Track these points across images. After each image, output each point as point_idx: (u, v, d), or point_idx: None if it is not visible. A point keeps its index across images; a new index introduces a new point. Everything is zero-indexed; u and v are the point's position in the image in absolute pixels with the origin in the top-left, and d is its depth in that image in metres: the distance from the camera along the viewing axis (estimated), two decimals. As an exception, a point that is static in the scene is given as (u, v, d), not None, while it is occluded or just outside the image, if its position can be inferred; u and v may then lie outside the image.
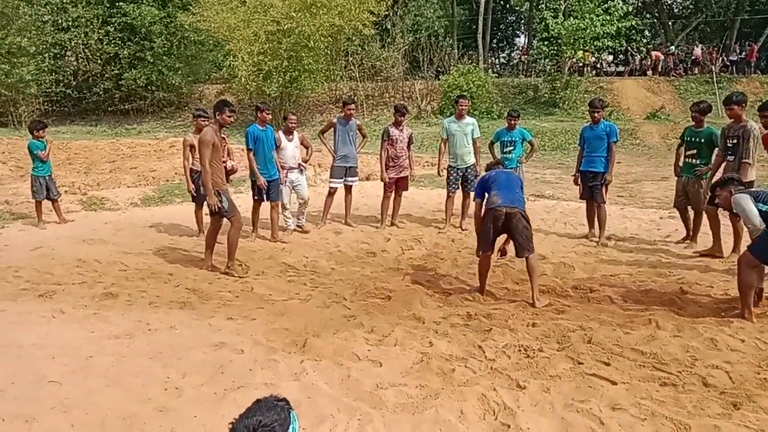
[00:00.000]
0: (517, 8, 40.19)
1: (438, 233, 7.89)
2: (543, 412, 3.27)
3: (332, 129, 8.27)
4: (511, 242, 5.61)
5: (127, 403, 3.35)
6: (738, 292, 4.72)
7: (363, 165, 11.39)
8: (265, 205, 7.43)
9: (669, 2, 37.68)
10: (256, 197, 7.40)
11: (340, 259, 6.76)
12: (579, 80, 24.80)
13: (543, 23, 23.72)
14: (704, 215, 6.88)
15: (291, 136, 7.76)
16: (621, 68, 29.65)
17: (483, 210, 5.46)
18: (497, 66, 37.56)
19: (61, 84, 24.42)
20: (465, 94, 9.15)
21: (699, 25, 35.08)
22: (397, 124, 8.05)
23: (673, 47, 29.15)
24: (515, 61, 36.32)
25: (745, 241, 6.63)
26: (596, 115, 7.29)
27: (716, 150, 6.78)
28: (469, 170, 8.07)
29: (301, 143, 8.03)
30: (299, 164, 7.86)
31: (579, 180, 7.58)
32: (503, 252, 6.52)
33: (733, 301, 4.99)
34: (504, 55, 44.66)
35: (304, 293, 5.50)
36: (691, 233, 7.08)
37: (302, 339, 4.27)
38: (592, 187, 7.34)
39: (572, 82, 24.28)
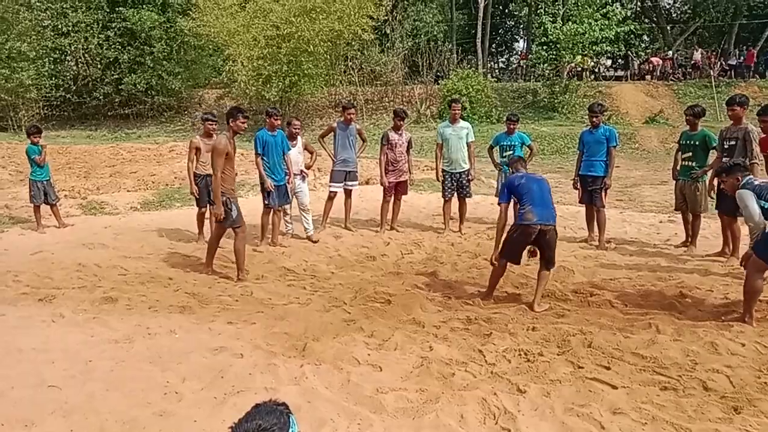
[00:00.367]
0: (515, 13, 40.27)
1: (437, 237, 7.89)
2: (543, 417, 3.27)
3: (332, 133, 8.27)
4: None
5: (126, 408, 3.34)
6: (742, 296, 4.71)
7: (363, 169, 11.40)
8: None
9: (667, 7, 37.79)
10: (266, 202, 7.31)
11: (339, 264, 6.75)
12: (578, 85, 24.86)
13: (542, 28, 23.79)
14: (701, 218, 6.92)
15: (294, 142, 7.74)
16: (620, 73, 29.71)
17: (506, 215, 5.32)
18: (496, 70, 37.67)
19: (61, 88, 24.45)
20: (457, 98, 9.13)
21: (697, 29, 35.16)
22: (396, 128, 8.06)
23: (671, 52, 29.22)
24: (514, 66, 36.41)
25: (744, 244, 6.66)
26: (595, 119, 7.30)
27: (712, 152, 6.81)
28: (463, 175, 8.07)
29: (305, 149, 8.02)
30: (301, 171, 7.84)
31: (578, 184, 7.59)
32: (534, 253, 5.95)
33: (732, 305, 4.99)
34: (503, 59, 44.75)
35: (304, 297, 5.50)
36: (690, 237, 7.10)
37: (302, 343, 4.26)
38: (591, 191, 7.35)
39: (571, 87, 24.34)
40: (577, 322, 4.72)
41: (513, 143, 8.31)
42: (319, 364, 3.93)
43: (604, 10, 22.86)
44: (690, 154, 6.92)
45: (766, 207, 4.54)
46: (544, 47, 23.99)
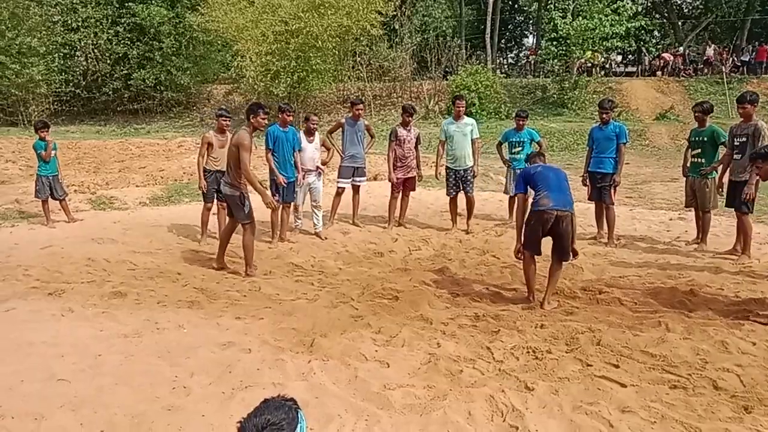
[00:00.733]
0: (525, 8, 40.06)
1: (445, 234, 7.87)
2: (551, 414, 3.25)
3: (340, 129, 8.26)
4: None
5: (135, 402, 3.36)
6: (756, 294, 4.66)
7: (371, 165, 11.39)
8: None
9: (679, 2, 37.45)
10: (276, 199, 7.23)
11: (347, 260, 6.75)
12: (588, 80, 24.68)
13: (551, 23, 23.63)
14: (711, 215, 6.86)
15: (312, 138, 7.68)
16: (630, 68, 29.47)
17: (526, 208, 5.21)
18: (505, 66, 37.48)
19: (71, 84, 24.59)
20: (461, 94, 9.00)
21: (709, 25, 34.85)
22: (404, 124, 8.03)
23: (682, 48, 28.96)
24: (523, 62, 36.22)
25: (755, 243, 6.61)
26: (605, 116, 7.25)
27: (720, 148, 6.76)
28: (467, 171, 7.95)
29: (322, 145, 7.98)
30: (317, 167, 7.79)
31: (587, 181, 7.54)
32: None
33: (743, 304, 4.95)
34: (512, 55, 44.55)
35: (312, 293, 5.50)
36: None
37: (310, 339, 4.27)
38: (600, 188, 7.30)
39: (581, 83, 24.18)
40: (586, 320, 4.69)
41: (522, 139, 8.27)
42: (327, 360, 3.93)
43: (615, 6, 22.67)
44: (699, 150, 6.89)
45: None
46: (554, 43, 23.82)
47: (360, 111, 8.12)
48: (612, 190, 7.27)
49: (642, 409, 3.27)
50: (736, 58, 27.11)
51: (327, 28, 20.79)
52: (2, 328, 4.38)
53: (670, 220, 8.45)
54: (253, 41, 21.11)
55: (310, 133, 7.67)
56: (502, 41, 40.92)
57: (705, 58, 27.06)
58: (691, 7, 37.92)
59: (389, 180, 8.16)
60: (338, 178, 8.29)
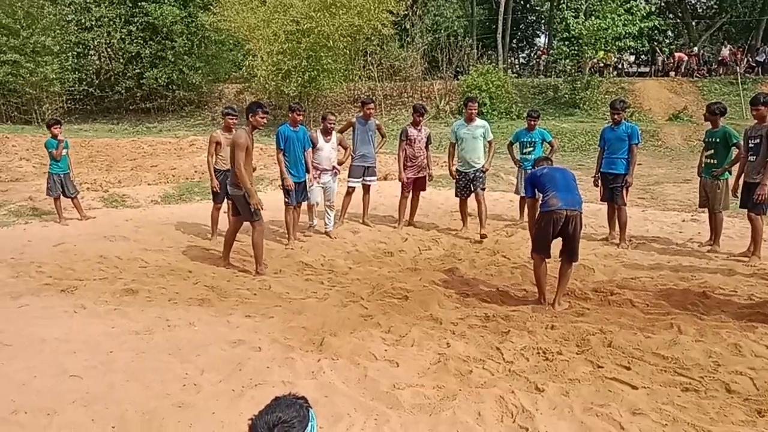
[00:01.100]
0: (537, 8, 39.86)
1: (455, 234, 7.85)
2: (562, 416, 3.23)
3: (351, 128, 8.26)
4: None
5: (146, 399, 3.38)
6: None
7: (381, 165, 11.39)
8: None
9: (693, 2, 37.10)
10: (287, 200, 7.25)
11: (357, 259, 6.76)
12: (600, 81, 24.51)
13: (564, 23, 23.49)
14: (723, 216, 6.82)
15: (329, 137, 7.66)
16: (643, 69, 29.22)
17: (536, 210, 5.21)
18: (517, 66, 37.30)
19: (84, 82, 24.76)
20: (474, 96, 8.84)
21: (723, 25, 34.49)
22: (415, 123, 8.02)
23: (696, 48, 28.69)
24: (535, 61, 36.03)
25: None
26: (617, 116, 7.20)
27: (733, 149, 6.72)
28: (477, 172, 7.75)
29: (339, 144, 7.96)
30: (333, 167, 7.76)
31: (599, 181, 7.49)
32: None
33: (758, 306, 4.89)
34: (524, 55, 44.33)
35: (322, 292, 5.51)
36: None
37: (319, 338, 4.27)
38: (612, 188, 7.26)
39: (593, 83, 24.00)
40: (597, 321, 4.66)
41: (533, 140, 8.24)
42: (336, 358, 3.94)
43: (628, 5, 22.49)
44: (712, 151, 6.88)
45: None
46: (566, 43, 23.68)
47: (371, 110, 8.11)
48: (624, 191, 7.22)
49: (653, 411, 3.24)
50: (751, 59, 26.82)
51: (338, 28, 20.79)
52: (15, 325, 4.43)
53: (683, 221, 8.37)
54: (265, 41, 21.17)
55: (327, 132, 7.65)
56: (514, 41, 40.70)
57: (720, 58, 26.78)
58: (705, 7, 37.55)
59: (399, 180, 8.15)
60: (349, 177, 8.29)
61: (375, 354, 4.02)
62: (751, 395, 3.41)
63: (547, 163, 5.56)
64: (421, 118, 8.01)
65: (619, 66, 28.40)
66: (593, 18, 22.54)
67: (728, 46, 27.71)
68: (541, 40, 41.61)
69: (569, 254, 5.11)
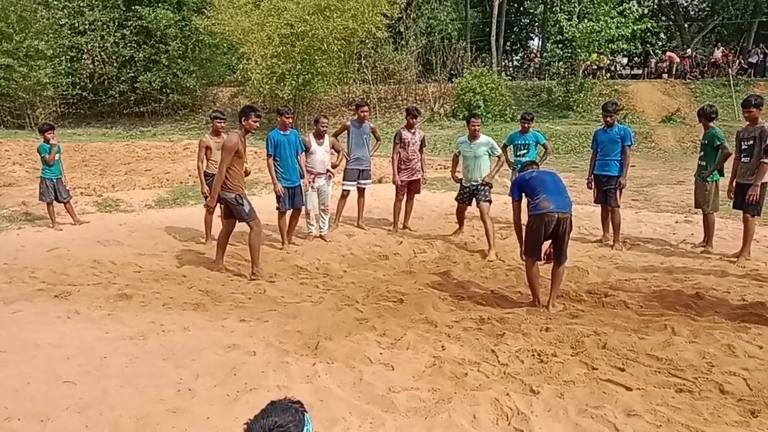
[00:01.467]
0: (531, 11, 39.98)
1: (450, 237, 7.85)
2: (557, 418, 3.24)
3: (345, 132, 8.26)
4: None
5: (140, 404, 3.36)
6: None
7: (376, 168, 11.39)
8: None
9: (685, 4, 37.34)
10: (277, 206, 7.15)
11: (352, 262, 6.75)
12: (593, 83, 24.63)
13: (557, 26, 23.59)
14: (714, 218, 6.86)
15: (321, 140, 7.60)
16: (636, 71, 29.36)
17: (521, 212, 5.29)
18: (510, 69, 37.43)
19: (78, 86, 24.68)
20: (477, 112, 8.64)
21: (715, 27, 34.72)
22: (409, 126, 8.03)
23: (689, 50, 28.85)
24: (528, 64, 36.16)
25: (763, 246, 6.57)
26: (609, 119, 7.25)
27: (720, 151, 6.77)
28: (479, 186, 7.49)
29: (332, 147, 7.92)
30: (327, 170, 7.72)
31: (593, 184, 7.52)
32: (549, 257, 5.53)
33: (750, 307, 4.92)
34: (517, 57, 44.46)
35: (317, 296, 5.51)
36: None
37: (314, 342, 4.27)
38: (606, 190, 7.29)
39: (586, 85, 24.11)
40: (592, 323, 4.67)
41: (527, 142, 8.26)
42: (332, 362, 3.93)
43: (621, 8, 22.60)
44: (702, 153, 6.98)
45: None
46: (560, 45, 23.80)
47: (365, 113, 8.11)
48: (617, 193, 7.26)
49: (648, 412, 3.26)
50: (743, 61, 26.98)
51: (332, 31, 20.82)
52: (8, 330, 4.40)
53: (676, 223, 8.41)
54: (259, 44, 21.17)
55: (319, 135, 7.60)
56: (508, 44, 40.86)
57: (712, 60, 26.93)
58: (697, 9, 37.79)
59: (394, 183, 8.15)
60: (343, 180, 8.29)
61: (370, 357, 4.02)
62: (745, 396, 3.43)
63: (533, 167, 5.61)
64: (414, 121, 8.02)
65: (612, 68, 28.52)
66: (586, 21, 22.65)
67: (720, 48, 27.87)
68: (535, 43, 41.80)
69: (558, 256, 5.15)
